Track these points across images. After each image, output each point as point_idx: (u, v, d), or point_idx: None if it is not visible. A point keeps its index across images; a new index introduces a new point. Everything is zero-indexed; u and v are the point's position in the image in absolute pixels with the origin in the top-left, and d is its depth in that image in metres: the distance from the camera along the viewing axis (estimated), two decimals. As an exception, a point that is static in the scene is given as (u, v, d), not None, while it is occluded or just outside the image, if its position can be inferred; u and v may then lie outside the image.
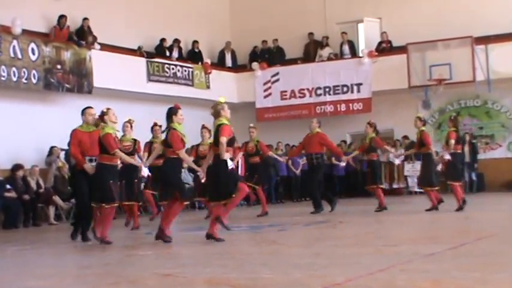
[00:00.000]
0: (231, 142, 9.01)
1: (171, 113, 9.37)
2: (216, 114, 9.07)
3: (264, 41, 23.29)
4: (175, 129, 9.26)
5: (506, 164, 20.59)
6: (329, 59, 22.42)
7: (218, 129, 8.95)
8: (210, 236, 8.93)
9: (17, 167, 15.05)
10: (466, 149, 20.36)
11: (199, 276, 6.30)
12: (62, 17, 17.16)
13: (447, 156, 13.27)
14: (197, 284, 5.98)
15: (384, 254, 7.33)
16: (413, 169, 20.72)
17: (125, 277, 6.52)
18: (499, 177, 20.54)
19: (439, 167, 16.77)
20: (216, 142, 8.95)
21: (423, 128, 13.63)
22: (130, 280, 6.32)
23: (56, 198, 15.39)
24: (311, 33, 23.04)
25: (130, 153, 11.53)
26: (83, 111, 10.08)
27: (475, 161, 20.34)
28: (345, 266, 6.49)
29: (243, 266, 6.95)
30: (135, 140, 12.12)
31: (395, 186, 20.92)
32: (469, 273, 5.70)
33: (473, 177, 20.33)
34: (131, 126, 12.14)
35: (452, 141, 13.16)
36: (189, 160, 9.94)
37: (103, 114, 9.78)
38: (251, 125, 14.77)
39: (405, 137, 20.26)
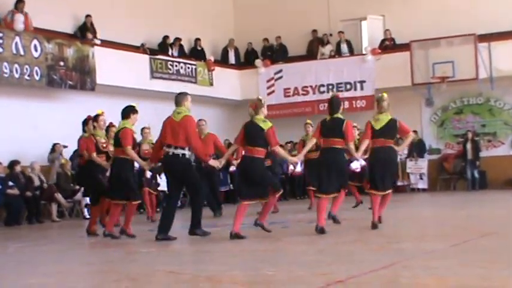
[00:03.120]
0: None
1: None
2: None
3: (265, 39, 23.27)
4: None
5: (509, 162, 20.56)
6: (331, 56, 22.43)
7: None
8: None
9: (14, 162, 14.99)
10: (469, 146, 20.40)
11: (202, 274, 6.29)
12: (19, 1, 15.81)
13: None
14: (200, 281, 5.97)
15: (387, 251, 7.33)
16: (415, 166, 20.70)
17: (128, 274, 6.52)
18: (501, 174, 20.52)
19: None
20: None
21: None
22: (133, 277, 6.32)
23: (58, 196, 15.37)
24: (314, 31, 23.03)
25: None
26: (186, 96, 9.42)
27: (478, 158, 20.31)
28: (348, 263, 6.48)
29: (246, 263, 6.95)
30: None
31: (399, 183, 20.88)
32: (473, 270, 5.70)
33: (476, 174, 20.30)
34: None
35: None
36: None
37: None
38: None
39: (414, 131, 20.14)
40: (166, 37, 20.67)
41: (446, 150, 21.44)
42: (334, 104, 9.54)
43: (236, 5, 24.58)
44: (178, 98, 9.40)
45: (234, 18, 24.42)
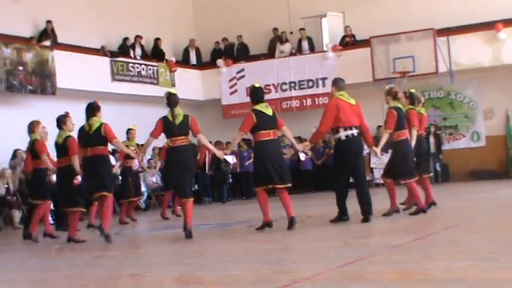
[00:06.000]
0: None
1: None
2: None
3: (225, 39, 23.24)
4: None
5: (470, 154, 20.87)
6: (292, 54, 22.49)
7: None
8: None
9: None
10: (431, 140, 20.62)
11: (168, 276, 6.28)
12: None
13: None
14: (166, 283, 5.95)
15: (352, 247, 7.38)
16: (379, 161, 20.82)
17: (93, 278, 6.47)
18: (463, 167, 20.81)
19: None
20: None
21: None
22: (98, 281, 6.27)
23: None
24: (275, 29, 23.06)
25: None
26: (340, 82, 9.90)
27: (440, 151, 20.56)
28: (314, 260, 6.51)
29: (212, 263, 6.94)
30: (138, 145, 13.26)
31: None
32: (436, 263, 5.77)
33: (438, 167, 20.54)
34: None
35: None
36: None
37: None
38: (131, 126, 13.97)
39: (378, 127, 20.11)
40: (126, 39, 20.55)
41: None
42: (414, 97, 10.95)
43: (195, 4, 24.50)
44: (343, 84, 9.89)
45: (194, 18, 24.35)
